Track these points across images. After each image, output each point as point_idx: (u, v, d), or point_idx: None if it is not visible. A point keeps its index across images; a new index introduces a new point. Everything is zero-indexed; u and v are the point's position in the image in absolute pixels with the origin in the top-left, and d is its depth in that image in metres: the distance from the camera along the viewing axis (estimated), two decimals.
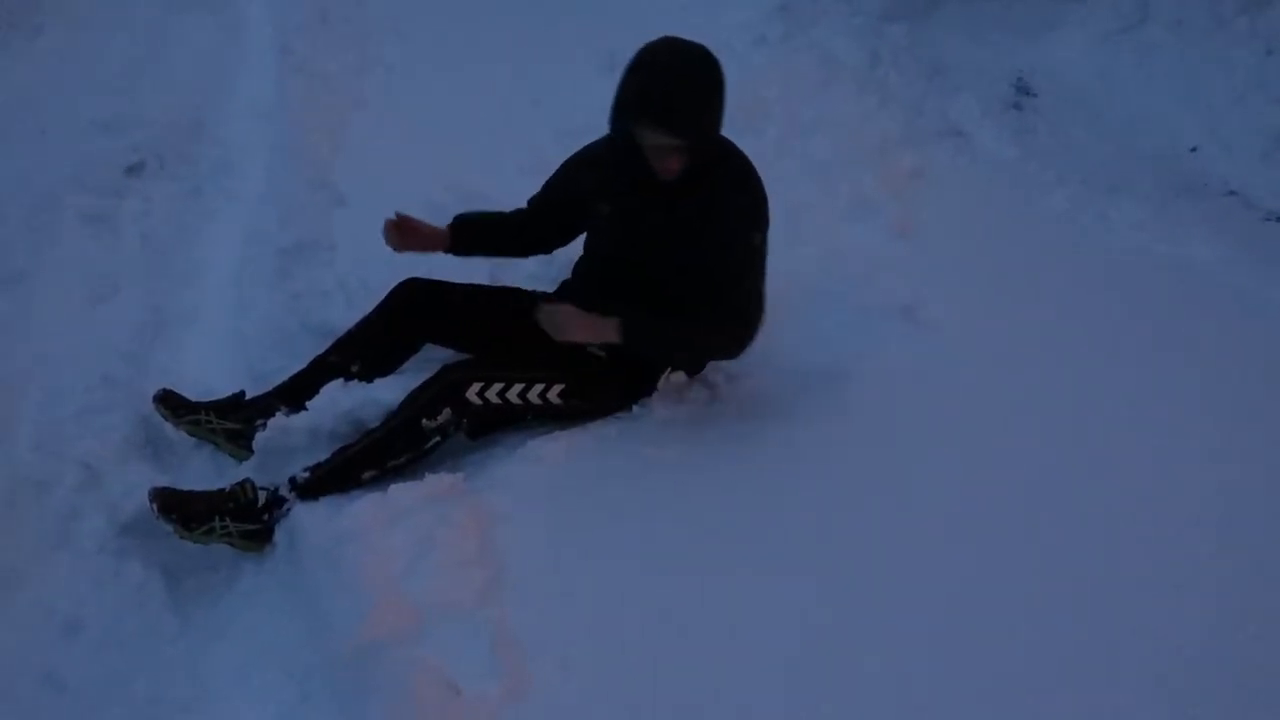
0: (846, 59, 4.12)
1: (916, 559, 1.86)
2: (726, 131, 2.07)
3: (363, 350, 2.27)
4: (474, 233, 2.33)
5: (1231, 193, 3.62)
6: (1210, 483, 2.08)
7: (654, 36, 2.00)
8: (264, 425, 2.17)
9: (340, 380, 2.22)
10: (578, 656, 1.65)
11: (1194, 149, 3.91)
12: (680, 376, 2.31)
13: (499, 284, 2.49)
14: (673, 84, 1.93)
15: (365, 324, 2.31)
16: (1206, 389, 2.39)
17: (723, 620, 1.72)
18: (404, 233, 2.24)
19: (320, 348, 2.38)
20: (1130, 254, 3.06)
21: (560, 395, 2.18)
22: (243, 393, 2.32)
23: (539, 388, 2.16)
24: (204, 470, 2.25)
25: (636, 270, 2.16)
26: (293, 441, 2.12)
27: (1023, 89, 4.31)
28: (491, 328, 2.31)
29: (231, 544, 2.02)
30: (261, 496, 2.04)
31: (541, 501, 1.96)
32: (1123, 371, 2.45)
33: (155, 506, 1.96)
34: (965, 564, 1.86)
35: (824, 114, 3.72)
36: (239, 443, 2.24)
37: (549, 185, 2.35)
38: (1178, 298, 2.85)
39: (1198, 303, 2.83)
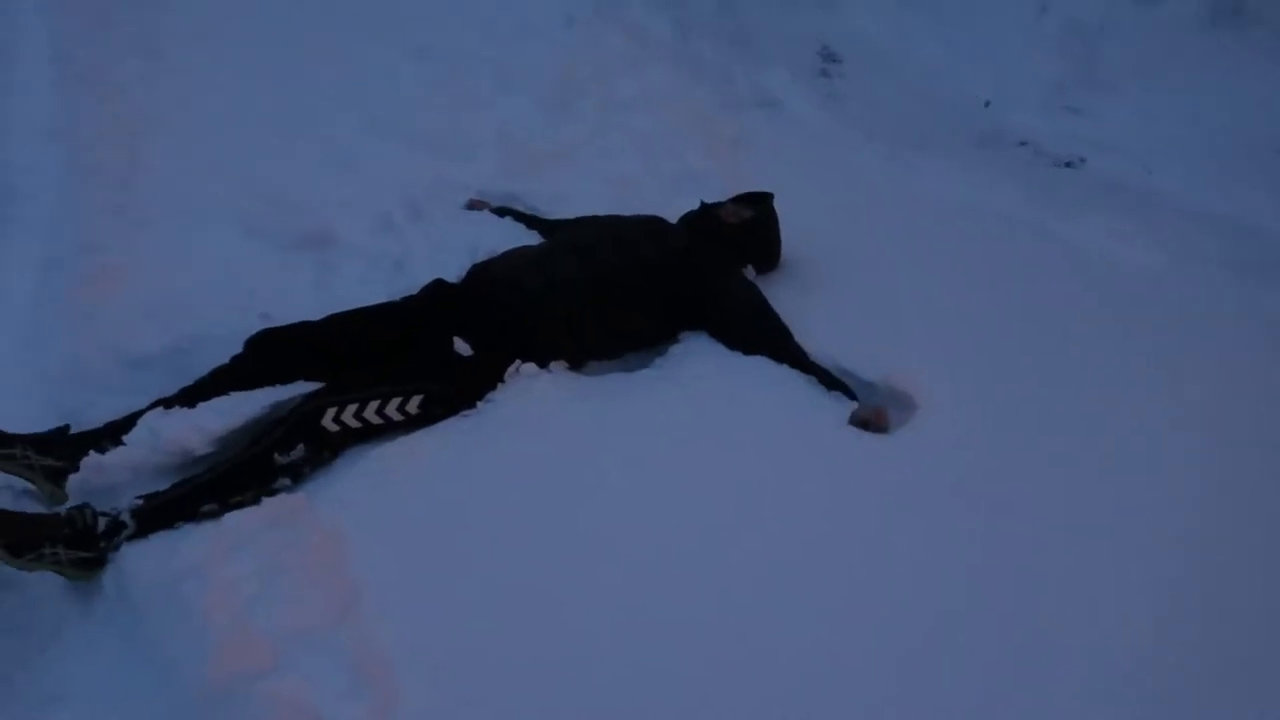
0: (657, 33, 4.17)
1: (781, 540, 1.89)
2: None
3: (211, 397, 2.15)
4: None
5: (1023, 143, 3.90)
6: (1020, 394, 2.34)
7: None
8: (78, 467, 2.01)
9: (160, 409, 2.08)
10: (446, 664, 1.62)
11: (988, 103, 4.18)
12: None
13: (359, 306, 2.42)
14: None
15: (218, 373, 2.21)
16: (1027, 311, 2.69)
17: (588, 611, 1.72)
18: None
19: (135, 378, 2.23)
20: (937, 201, 3.28)
21: (421, 405, 2.14)
22: (67, 426, 2.11)
23: (397, 401, 2.12)
24: None
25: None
26: (112, 479, 1.97)
27: (828, 56, 4.49)
28: (350, 351, 2.25)
29: (60, 572, 1.85)
30: (101, 523, 1.88)
31: (391, 512, 1.90)
32: (947, 300, 2.72)
33: None
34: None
35: (641, 89, 3.76)
36: (59, 482, 2.03)
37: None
38: (980, 234, 3.09)
39: (1002, 239, 3.06)
